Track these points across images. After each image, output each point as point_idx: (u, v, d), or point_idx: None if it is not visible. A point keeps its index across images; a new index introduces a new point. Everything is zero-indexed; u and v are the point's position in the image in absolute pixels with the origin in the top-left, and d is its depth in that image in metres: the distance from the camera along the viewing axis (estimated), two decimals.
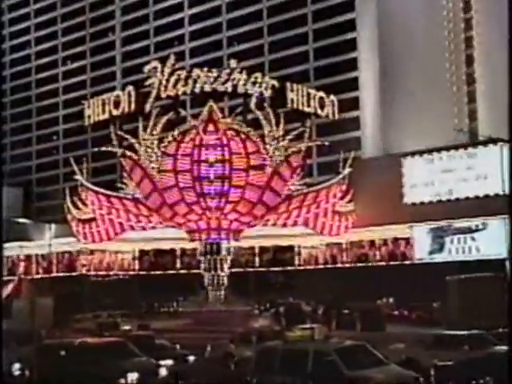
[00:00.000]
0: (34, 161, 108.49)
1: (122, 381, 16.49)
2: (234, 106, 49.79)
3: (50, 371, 17.31)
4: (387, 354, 15.58)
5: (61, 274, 54.83)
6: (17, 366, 21.40)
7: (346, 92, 67.85)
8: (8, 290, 56.40)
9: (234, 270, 45.07)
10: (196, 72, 42.05)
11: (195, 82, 41.58)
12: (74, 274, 53.68)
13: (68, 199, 48.19)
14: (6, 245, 57.42)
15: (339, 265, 47.41)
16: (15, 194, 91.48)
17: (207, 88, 41.45)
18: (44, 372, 16.97)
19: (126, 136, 43.96)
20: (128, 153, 43.06)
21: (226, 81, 41.49)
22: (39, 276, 56.06)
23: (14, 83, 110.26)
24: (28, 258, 58.12)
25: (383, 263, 44.92)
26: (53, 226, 55.67)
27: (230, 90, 41.58)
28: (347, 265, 47.06)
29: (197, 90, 41.68)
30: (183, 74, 42.20)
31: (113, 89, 71.58)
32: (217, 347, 22.70)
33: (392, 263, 43.81)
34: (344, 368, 14.57)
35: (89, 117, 45.54)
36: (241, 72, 41.84)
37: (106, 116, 44.14)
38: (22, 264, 57.86)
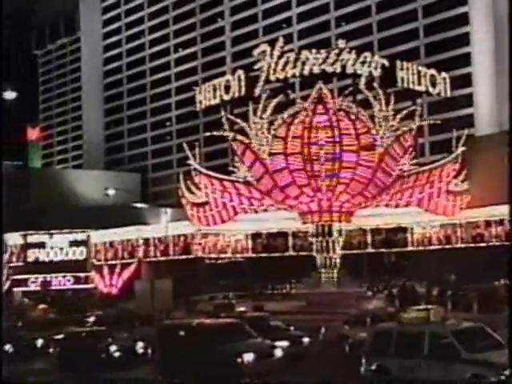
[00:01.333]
0: (150, 147, 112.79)
1: (238, 361, 16.78)
2: (343, 87, 49.48)
3: (170, 351, 17.94)
4: (505, 336, 15.23)
5: (177, 257, 56.78)
6: (140, 344, 22.67)
7: (459, 68, 65.84)
8: (129, 272, 59.65)
9: (346, 251, 44.89)
10: (304, 54, 42.11)
11: (304, 63, 41.68)
12: (189, 256, 55.37)
13: (182, 184, 49.67)
14: (126, 228, 60.90)
15: (453, 245, 46.48)
16: (133, 179, 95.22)
17: (316, 69, 41.46)
18: (165, 351, 17.59)
19: (237, 120, 44.63)
20: (239, 137, 43.72)
21: (335, 61, 41.34)
22: (157, 259, 58.36)
23: (130, 72, 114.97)
24: (146, 241, 60.64)
25: (499, 243, 43.69)
26: (168, 210, 57.54)
27: (338, 70, 41.45)
28: (462, 245, 46.09)
29: (306, 72, 41.80)
30: (292, 56, 42.38)
31: (223, 74, 72.93)
32: (331, 329, 22.64)
33: (508, 243, 41.82)
34: (462, 351, 14.40)
35: (200, 102, 46.58)
36: (349, 52, 41.56)
37: (217, 101, 44.97)
38: (141, 247, 60.41)
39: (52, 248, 64.34)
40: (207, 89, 45.87)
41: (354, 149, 41.07)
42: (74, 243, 64.21)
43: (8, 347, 25.81)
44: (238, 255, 54.53)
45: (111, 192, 65.54)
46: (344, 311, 28.39)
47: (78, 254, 64.07)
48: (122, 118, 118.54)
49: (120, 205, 72.34)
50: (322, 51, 41.91)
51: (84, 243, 64.33)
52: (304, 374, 18.10)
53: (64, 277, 63.90)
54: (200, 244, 55.11)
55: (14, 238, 65.88)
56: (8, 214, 70.86)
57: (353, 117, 41.56)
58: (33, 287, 64.29)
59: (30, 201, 79.10)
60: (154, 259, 58.55)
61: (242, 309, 36.14)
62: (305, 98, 44.31)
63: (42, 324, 30.66)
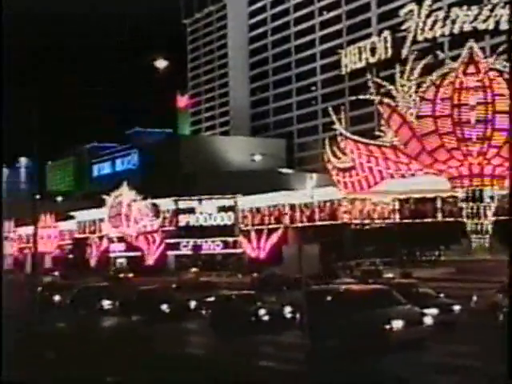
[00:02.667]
0: (295, 112, 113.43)
1: (387, 328, 16.67)
2: (496, 45, 46.93)
3: (318, 316, 18.21)
4: None
5: (323, 223, 57.39)
6: (288, 309, 23.21)
7: None
8: (276, 237, 61.14)
9: (499, 217, 42.79)
10: (454, 11, 40.40)
11: (454, 22, 40.06)
12: (336, 222, 55.69)
13: (327, 149, 49.63)
14: (273, 194, 62.25)
15: None
16: (279, 145, 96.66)
17: (467, 27, 39.72)
18: (312, 316, 17.81)
19: (383, 83, 43.68)
20: (385, 100, 42.85)
21: (488, 18, 39.29)
22: (303, 224, 59.52)
23: (275, 37, 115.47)
24: (292, 207, 61.77)
25: None
26: (314, 175, 58.28)
27: (491, 27, 39.37)
28: None
29: (456, 31, 40.17)
30: (441, 14, 40.87)
31: (368, 36, 71.42)
32: (483, 297, 22.09)
33: None
34: None
35: (345, 66, 46.28)
36: (503, 7, 39.06)
37: (363, 64, 44.57)
38: (287, 213, 61.74)
39: (201, 213, 67.46)
40: (352, 52, 45.52)
41: (508, 110, 38.44)
42: (223, 209, 66.78)
43: (164, 307, 27.53)
44: (385, 221, 54.16)
45: (257, 158, 67.05)
46: (498, 279, 27.26)
47: (226, 219, 66.57)
48: (268, 83, 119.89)
49: (266, 170, 74.01)
50: (474, 7, 39.97)
51: (232, 209, 66.73)
52: (454, 342, 17.99)
53: (213, 241, 66.81)
54: (346, 210, 55.30)
55: (166, 204, 70.01)
56: (161, 181, 76.52)
57: (507, 76, 39.10)
58: (184, 251, 67.89)
59: (180, 167, 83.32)
60: (300, 225, 59.56)
61: (390, 275, 35.59)
62: (454, 59, 42.68)
63: (194, 286, 32.41)
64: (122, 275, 56.05)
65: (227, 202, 66.97)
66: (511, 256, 16.41)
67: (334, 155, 48.84)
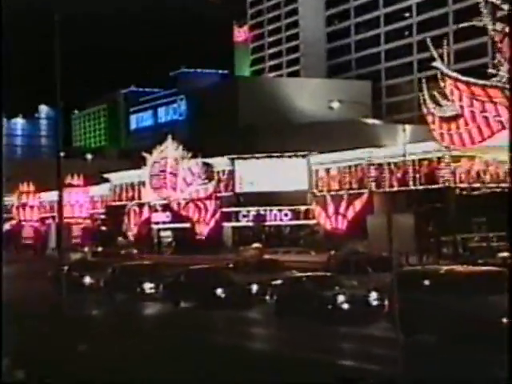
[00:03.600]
0: (383, 46, 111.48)
1: (504, 321, 16.44)
2: None
3: (412, 303, 18.38)
4: None
5: (419, 187, 57.10)
6: (374, 295, 23.56)
7: None
8: (359, 205, 61.28)
9: None
10: None
11: None
12: (435, 186, 55.34)
13: (425, 93, 48.72)
14: (355, 151, 62.44)
15: None
16: (362, 88, 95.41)
17: None
18: (405, 304, 17.14)
19: (502, 5, 42.12)
20: (501, 26, 41.04)
21: None
22: (394, 189, 59.42)
23: None
24: (379, 166, 61.76)
25: None
26: (407, 126, 57.64)
27: None
28: None
29: None
30: None
31: None
32: None
33: None
34: None
35: None
36: None
37: None
38: (373, 174, 61.83)
39: (265, 175, 68.28)
40: None
41: None
42: (292, 169, 67.32)
43: (219, 291, 28.14)
44: (500, 185, 53.37)
45: (335, 105, 66.80)
46: None
47: (297, 182, 67.19)
48: (348, 9, 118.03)
49: (347, 121, 73.75)
50: None
51: (303, 169, 67.19)
52: None
53: (280, 210, 67.44)
54: (449, 170, 54.80)
55: (221, 163, 71.16)
56: (213, 135, 77.44)
57: None
58: (244, 222, 69.13)
59: (238, 118, 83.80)
60: (389, 189, 59.49)
61: (505, 254, 35.38)
62: None
63: (256, 266, 33.01)
64: (123, 251, 58.03)
65: (297, 162, 67.44)
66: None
67: (434, 101, 48.04)
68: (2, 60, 26.78)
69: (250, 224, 68.16)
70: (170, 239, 76.54)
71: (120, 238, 73.50)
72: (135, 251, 59.87)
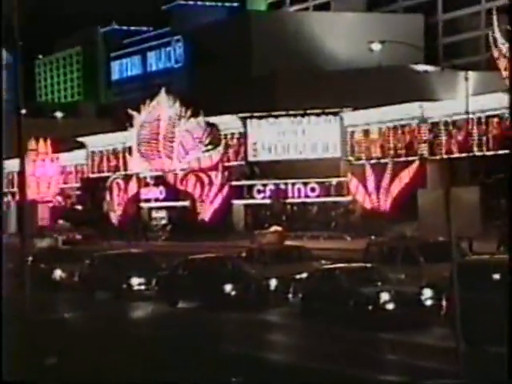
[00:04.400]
0: None
1: None
2: None
3: (476, 304, 18.43)
4: None
5: (487, 153, 57.22)
6: (427, 292, 23.76)
7: None
8: (407, 176, 61.82)
9: None
10: None
11: None
12: (507, 151, 54.35)
13: (495, 29, 48.47)
14: (402, 106, 62.52)
15: None
16: (412, 24, 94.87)
17: None
18: (468, 304, 17.61)
19: None
20: None
21: None
22: (453, 155, 59.56)
23: None
24: (434, 126, 61.85)
25: None
26: (470, 73, 57.55)
27: None
28: None
29: None
30: None
31: None
32: None
33: None
34: None
35: None
36: None
37: None
38: (426, 137, 62.15)
39: (287, 139, 68.59)
40: None
41: None
42: (321, 131, 67.45)
43: (228, 288, 28.32)
44: None
45: (377, 47, 66.05)
46: None
47: (327, 148, 67.41)
48: None
49: (391, 68, 73.45)
50: None
51: (335, 131, 67.25)
52: None
53: (305, 184, 67.89)
54: None
55: (229, 124, 71.64)
56: (219, 87, 77.46)
57: None
58: (259, 199, 69.56)
59: (251, 64, 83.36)
60: (447, 156, 59.61)
61: None
62: None
63: (275, 255, 33.06)
64: (61, 238, 55.86)
65: (328, 121, 67.62)
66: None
67: (508, 39, 47.59)
68: None
69: (267, 201, 68.24)
70: (164, 221, 77.34)
71: (61, 222, 71.67)
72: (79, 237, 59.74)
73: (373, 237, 43.86)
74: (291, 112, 68.21)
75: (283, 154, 68.69)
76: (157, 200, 77.02)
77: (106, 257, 35.84)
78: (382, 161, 64.61)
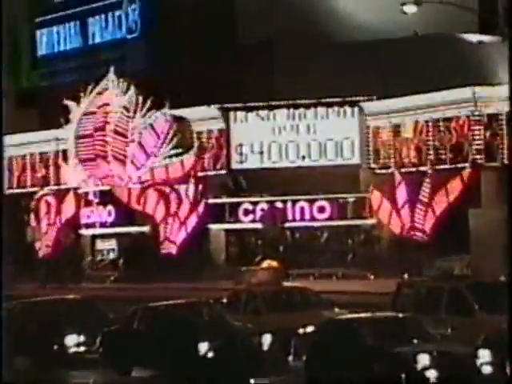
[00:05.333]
0: None
1: None
2: None
3: None
4: None
5: None
6: (484, 353, 23.60)
7: None
8: (451, 191, 62.06)
9: None
10: None
11: None
12: None
13: None
14: (450, 92, 62.76)
15: None
16: None
17: None
18: None
19: None
20: None
21: None
22: None
23: None
24: (492, 119, 62.76)
25: None
26: None
27: None
28: None
29: None
30: None
31: None
32: None
33: None
34: None
35: None
36: None
37: None
38: (480, 134, 62.50)
39: (285, 139, 68.97)
40: None
41: None
42: (333, 127, 67.90)
43: (204, 348, 28.36)
44: None
45: (411, 9, 66.04)
46: None
47: (341, 151, 68.00)
48: None
49: (432, 37, 73.08)
50: None
51: (353, 127, 67.93)
52: None
53: (311, 202, 68.09)
54: None
55: (206, 119, 71.98)
56: (191, 65, 76.73)
57: None
58: (247, 222, 69.69)
59: (237, 31, 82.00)
60: (509, 163, 58.74)
61: None
62: None
63: (270, 301, 33.53)
64: None
65: (342, 114, 67.96)
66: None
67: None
68: None
69: (259, 226, 67.94)
70: (113, 254, 77.29)
71: None
72: None
73: (406, 275, 43.73)
74: (292, 101, 68.34)
75: (280, 160, 68.80)
76: (103, 225, 76.49)
77: (28, 306, 35.62)
78: (419, 169, 64.69)
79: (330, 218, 67.74)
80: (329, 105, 67.87)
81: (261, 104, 69.42)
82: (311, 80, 67.03)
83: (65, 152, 77.94)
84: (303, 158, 68.40)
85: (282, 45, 74.23)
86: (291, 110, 68.80)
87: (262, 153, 69.57)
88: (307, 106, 68.36)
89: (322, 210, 67.61)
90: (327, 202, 67.53)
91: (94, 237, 78.49)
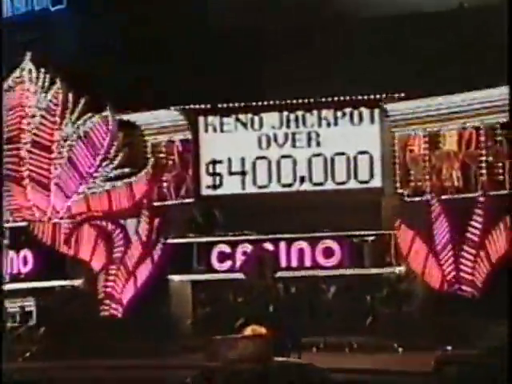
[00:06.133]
0: None
1: None
2: None
3: None
4: None
5: None
6: None
7: None
8: None
9: None
10: None
11: None
12: None
13: None
14: (501, 89, 63.03)
15: None
16: None
17: None
18: None
19: None
20: None
21: None
22: None
23: None
24: None
25: None
26: None
27: None
28: None
29: None
30: None
31: None
32: None
33: None
34: None
35: None
36: None
37: None
38: None
39: (275, 154, 69.97)
40: None
41: None
42: (344, 138, 68.82)
43: None
44: None
45: None
46: None
47: (351, 170, 69.35)
48: None
49: (483, 10, 72.93)
50: None
51: (372, 136, 68.92)
52: None
53: (314, 242, 68.62)
54: None
55: (163, 124, 72.80)
56: (146, 50, 76.42)
57: None
58: (222, 271, 70.39)
59: (207, 10, 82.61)
60: None
61: None
62: None
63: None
64: None
65: (358, 120, 69.12)
66: None
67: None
68: None
69: (239, 276, 67.45)
70: (30, 320, 76.93)
71: None
72: None
73: (449, 347, 44.37)
74: (286, 101, 69.28)
75: (270, 183, 69.93)
76: (15, 277, 76.29)
77: None
78: (467, 195, 65.50)
79: (339, 265, 68.06)
80: (338, 106, 68.59)
81: (242, 105, 70.19)
82: (313, 72, 67.86)
83: None
84: (302, 180, 69.30)
85: (271, 25, 74.27)
86: (285, 112, 69.63)
87: (243, 173, 70.45)
88: (307, 108, 69.16)
89: (328, 253, 68.02)
90: (336, 242, 67.95)
91: (3, 295, 76.50)
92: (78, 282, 74.39)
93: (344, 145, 68.54)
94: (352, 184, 68.77)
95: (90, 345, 64.08)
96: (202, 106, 71.01)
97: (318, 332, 63.68)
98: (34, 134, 73.89)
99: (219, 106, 70.77)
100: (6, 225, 75.85)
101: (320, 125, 69.12)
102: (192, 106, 70.87)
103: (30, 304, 77.81)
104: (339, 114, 68.75)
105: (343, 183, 69.01)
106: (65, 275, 74.90)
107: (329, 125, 68.96)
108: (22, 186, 74.13)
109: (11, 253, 76.05)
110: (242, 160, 70.45)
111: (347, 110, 68.79)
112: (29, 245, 75.44)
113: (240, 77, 70.27)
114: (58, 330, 70.96)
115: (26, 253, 75.54)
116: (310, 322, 65.96)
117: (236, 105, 70.46)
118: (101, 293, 72.37)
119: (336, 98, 68.39)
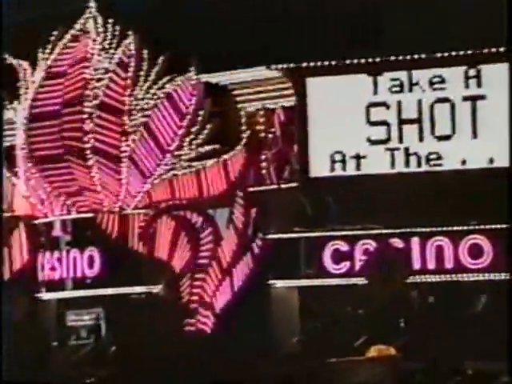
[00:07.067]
0: None
1: None
2: None
3: None
4: None
5: None
6: None
7: None
8: None
9: None
10: None
11: None
12: None
13: None
14: None
15: None
16: None
17: None
18: None
19: None
20: None
21: None
22: None
23: None
24: None
25: None
26: None
27: None
28: None
29: None
30: None
31: None
32: None
33: None
34: None
35: None
36: None
37: None
38: None
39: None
40: None
41: None
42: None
43: None
44: None
45: None
46: None
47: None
48: None
49: None
50: None
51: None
52: None
53: (457, 236, 64.56)
54: None
55: (261, 85, 69.00)
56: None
57: None
58: (338, 275, 66.49)
59: None
60: None
61: None
62: None
63: None
64: None
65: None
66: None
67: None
68: None
69: (360, 281, 65.51)
70: (97, 335, 73.84)
71: None
72: None
73: None
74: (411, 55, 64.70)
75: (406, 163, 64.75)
76: (79, 283, 72.88)
77: None
78: None
79: (491, 268, 63.59)
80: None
81: (362, 61, 65.42)
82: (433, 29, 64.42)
83: (10, 151, 74.14)
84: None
85: None
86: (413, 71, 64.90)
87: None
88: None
89: (476, 251, 63.61)
90: (486, 238, 63.18)
91: (63, 304, 74.52)
92: (156, 288, 71.01)
93: None
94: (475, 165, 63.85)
95: (172, 366, 58.07)
96: (313, 64, 66.05)
97: (463, 354, 57.55)
98: (102, 100, 70.34)
99: (335, 64, 65.86)
100: (68, 217, 72.60)
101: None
102: (299, 64, 66.43)
103: (96, 316, 74.55)
104: None
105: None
106: (139, 279, 71.12)
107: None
108: (86, 166, 70.56)
109: (73, 252, 72.70)
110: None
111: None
112: (95, 242, 72.18)
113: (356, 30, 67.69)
114: (131, 349, 67.46)
115: (92, 252, 72.15)
116: (451, 341, 60.78)
117: (355, 61, 65.57)
118: (184, 299, 69.14)
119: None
